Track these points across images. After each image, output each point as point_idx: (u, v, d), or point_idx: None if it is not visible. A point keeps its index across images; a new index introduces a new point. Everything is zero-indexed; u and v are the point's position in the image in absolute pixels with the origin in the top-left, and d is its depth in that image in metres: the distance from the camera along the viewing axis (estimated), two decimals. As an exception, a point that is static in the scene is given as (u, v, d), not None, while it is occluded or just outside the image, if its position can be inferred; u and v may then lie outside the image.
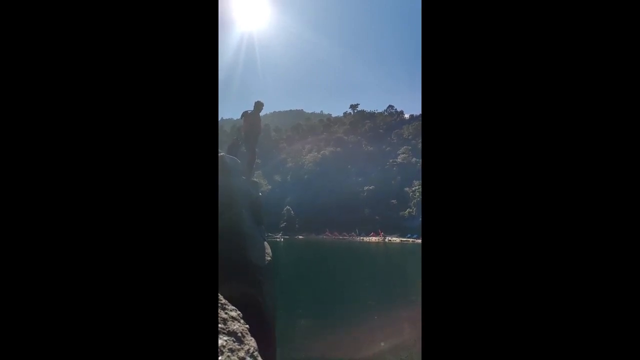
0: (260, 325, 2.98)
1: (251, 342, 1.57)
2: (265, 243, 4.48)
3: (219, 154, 4.12)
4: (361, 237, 51.98)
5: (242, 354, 1.45)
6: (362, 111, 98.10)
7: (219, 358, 1.34)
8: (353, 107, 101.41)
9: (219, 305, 1.65)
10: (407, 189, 61.84)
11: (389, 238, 49.34)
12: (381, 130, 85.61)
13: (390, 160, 71.30)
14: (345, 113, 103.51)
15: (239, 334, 1.55)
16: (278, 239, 44.42)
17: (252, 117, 5.29)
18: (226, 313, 1.64)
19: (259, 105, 5.34)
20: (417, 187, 58.94)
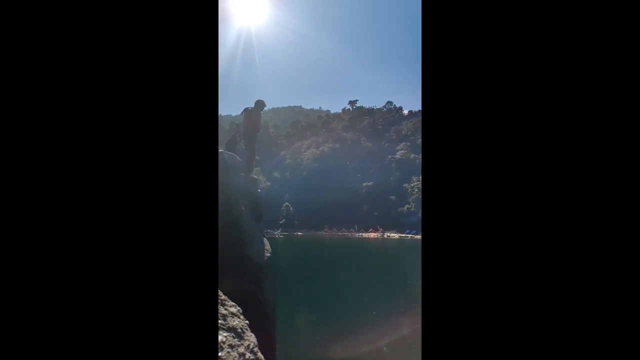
0: (260, 321, 2.99)
1: (251, 338, 1.58)
2: (265, 239, 4.49)
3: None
4: (360, 233, 52.17)
5: (242, 349, 1.46)
6: (361, 107, 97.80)
7: (219, 354, 1.35)
8: (352, 103, 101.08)
9: (219, 301, 1.66)
10: (405, 185, 61.94)
11: (388, 234, 49.54)
12: (380, 127, 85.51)
13: (389, 157, 71.31)
14: (344, 109, 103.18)
15: (239, 330, 1.56)
16: (277, 236, 44.51)
17: (252, 114, 5.28)
18: (226, 309, 1.65)
19: (260, 104, 5.34)
20: (415, 184, 59.06)
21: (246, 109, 5.32)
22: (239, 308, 1.74)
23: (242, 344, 1.49)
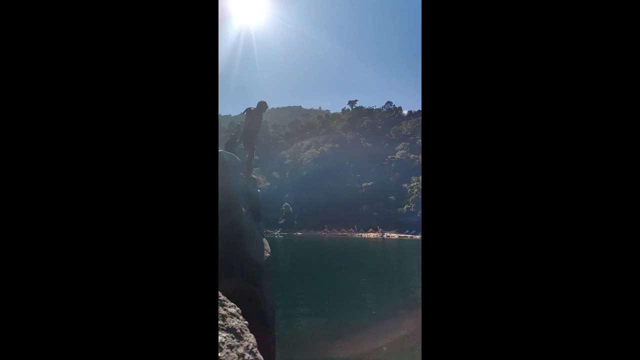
0: (259, 321, 2.99)
1: (250, 339, 1.58)
2: (264, 239, 4.49)
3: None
4: (359, 233, 52.23)
5: (241, 350, 1.45)
6: (361, 107, 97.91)
7: (218, 354, 1.34)
8: (351, 103, 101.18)
9: (218, 301, 1.65)
10: (405, 185, 62.01)
11: (387, 234, 49.59)
12: (379, 127, 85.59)
13: (389, 157, 71.39)
14: (343, 109, 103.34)
15: (238, 330, 1.56)
16: (276, 236, 44.51)
17: (254, 115, 5.28)
18: (225, 309, 1.65)
19: (262, 105, 5.36)
20: (415, 184, 59.12)
21: (248, 109, 5.32)
22: (238, 308, 1.74)
23: (241, 345, 1.48)
